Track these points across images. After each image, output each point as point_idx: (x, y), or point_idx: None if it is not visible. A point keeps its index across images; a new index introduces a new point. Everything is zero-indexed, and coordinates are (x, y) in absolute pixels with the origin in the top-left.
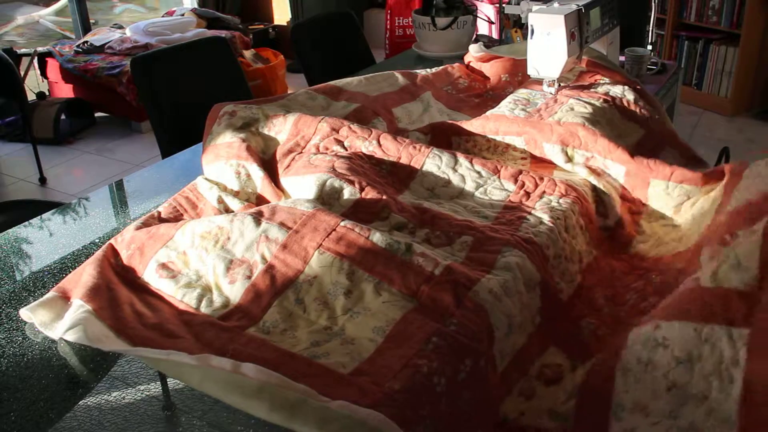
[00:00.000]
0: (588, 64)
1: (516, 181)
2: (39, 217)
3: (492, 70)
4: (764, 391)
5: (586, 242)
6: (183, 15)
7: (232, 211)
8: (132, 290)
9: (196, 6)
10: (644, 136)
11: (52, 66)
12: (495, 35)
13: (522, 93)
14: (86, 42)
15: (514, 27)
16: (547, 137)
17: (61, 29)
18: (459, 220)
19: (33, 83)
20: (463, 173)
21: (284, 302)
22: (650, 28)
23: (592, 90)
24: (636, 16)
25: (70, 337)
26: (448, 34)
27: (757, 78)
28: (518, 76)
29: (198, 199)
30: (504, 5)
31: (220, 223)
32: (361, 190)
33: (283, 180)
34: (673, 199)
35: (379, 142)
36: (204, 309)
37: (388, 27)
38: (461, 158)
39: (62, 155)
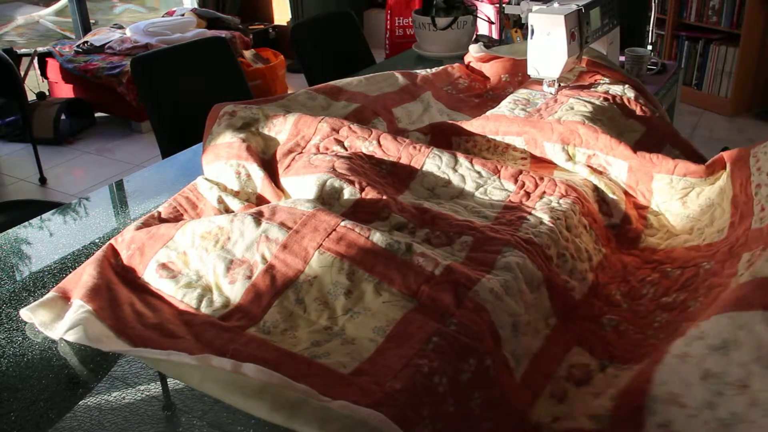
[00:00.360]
0: (588, 64)
1: (516, 181)
2: (39, 217)
3: (492, 70)
4: None
5: (593, 241)
6: (183, 15)
7: (232, 211)
8: (132, 290)
9: (196, 6)
10: (645, 133)
11: (52, 66)
12: (495, 35)
13: (522, 93)
14: (86, 42)
15: (514, 27)
16: (548, 136)
17: (61, 29)
18: (459, 220)
19: (33, 83)
20: (463, 173)
21: (284, 302)
22: (650, 28)
23: (592, 89)
24: (636, 16)
25: (71, 337)
26: (448, 34)
27: (757, 78)
28: (518, 76)
29: (198, 200)
30: (504, 5)
31: (221, 223)
32: (361, 190)
33: (283, 180)
34: (677, 192)
35: (379, 142)
36: (204, 309)
37: (388, 27)
38: (461, 158)
39: (62, 155)
